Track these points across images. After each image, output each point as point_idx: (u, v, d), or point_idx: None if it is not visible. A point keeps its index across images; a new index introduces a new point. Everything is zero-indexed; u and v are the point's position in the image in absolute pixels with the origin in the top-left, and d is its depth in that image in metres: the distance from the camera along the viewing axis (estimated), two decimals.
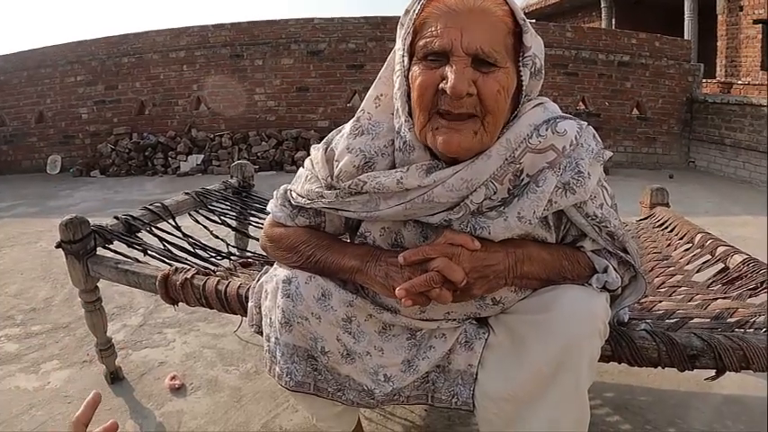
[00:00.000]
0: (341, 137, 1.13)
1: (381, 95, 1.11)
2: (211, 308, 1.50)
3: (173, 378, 2.01)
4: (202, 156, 8.03)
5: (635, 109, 8.46)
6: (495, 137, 1.00)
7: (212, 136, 8.25)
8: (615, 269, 1.11)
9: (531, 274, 1.06)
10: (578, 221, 1.08)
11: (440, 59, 0.96)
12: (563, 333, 1.00)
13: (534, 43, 1.00)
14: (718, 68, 11.11)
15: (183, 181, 7.25)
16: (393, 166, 1.07)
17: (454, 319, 1.15)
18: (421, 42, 0.97)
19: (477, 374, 1.14)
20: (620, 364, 1.23)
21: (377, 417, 1.78)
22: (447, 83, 0.93)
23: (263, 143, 8.12)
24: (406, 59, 1.02)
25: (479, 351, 1.14)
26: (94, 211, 5.33)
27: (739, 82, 10.47)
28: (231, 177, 2.74)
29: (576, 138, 1.03)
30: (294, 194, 1.19)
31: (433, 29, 0.96)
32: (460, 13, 0.94)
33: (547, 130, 1.01)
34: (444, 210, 1.03)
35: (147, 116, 8.62)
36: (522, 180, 1.03)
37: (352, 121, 1.12)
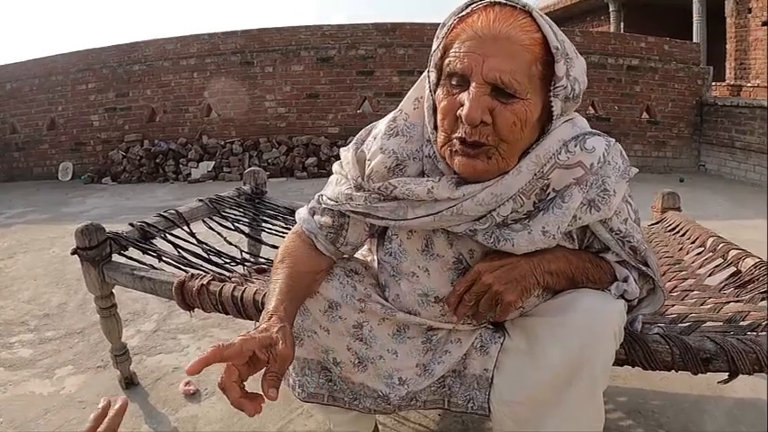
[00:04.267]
0: (373, 137, 1.13)
1: (421, 98, 1.10)
2: (227, 314, 1.51)
3: (187, 384, 2.03)
4: (213, 162, 8.06)
5: (645, 113, 8.41)
6: (511, 162, 1.00)
7: (223, 143, 8.28)
8: (635, 280, 1.12)
9: (558, 270, 1.07)
10: (603, 236, 1.09)
11: (462, 84, 0.95)
12: (579, 335, 1.01)
13: (576, 67, 0.98)
14: (727, 71, 11.04)
15: (194, 188, 7.28)
16: (422, 172, 1.08)
17: (471, 323, 1.17)
18: (446, 61, 0.98)
19: (492, 379, 1.15)
20: (633, 367, 1.23)
21: (391, 422, 1.78)
22: (463, 110, 0.93)
23: (274, 150, 8.14)
24: (433, 75, 1.03)
25: (495, 355, 1.15)
26: (106, 217, 5.37)
27: (749, 84, 10.40)
28: (244, 184, 2.76)
29: (603, 155, 1.03)
30: (324, 198, 1.19)
31: (458, 51, 0.95)
32: (485, 39, 0.92)
33: (575, 146, 1.02)
34: (470, 220, 1.05)
35: (158, 123, 8.66)
36: (548, 194, 1.04)
37: (387, 119, 1.12)
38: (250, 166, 6.27)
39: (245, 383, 0.90)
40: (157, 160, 8.21)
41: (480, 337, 1.17)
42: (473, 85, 0.93)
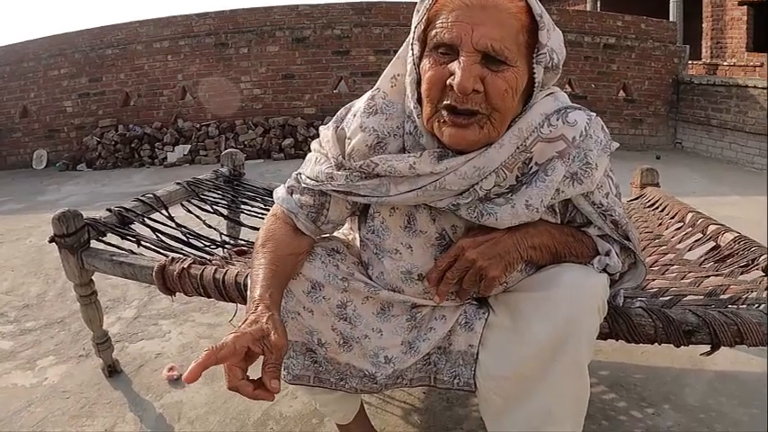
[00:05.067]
0: (353, 115, 1.12)
1: (398, 75, 1.09)
2: (209, 297, 1.50)
3: (171, 369, 2.02)
4: (189, 146, 7.96)
5: (621, 91, 8.47)
6: (501, 132, 1.00)
7: (198, 126, 8.17)
8: (617, 254, 1.13)
9: (542, 244, 1.07)
10: (585, 209, 1.09)
11: (450, 53, 0.95)
12: (564, 309, 1.02)
13: (552, 38, 0.98)
14: (703, 50, 11.12)
15: (170, 172, 7.19)
16: (404, 149, 1.08)
17: (454, 300, 1.17)
18: (432, 33, 0.97)
19: (477, 355, 1.16)
20: (617, 341, 1.25)
21: (376, 400, 1.79)
22: (454, 79, 0.92)
23: (250, 131, 8.05)
24: (416, 48, 1.02)
25: (480, 331, 1.15)
26: (83, 204, 5.27)
27: (725, 63, 10.50)
28: (222, 166, 2.72)
29: (585, 129, 1.03)
30: (303, 177, 1.18)
31: (445, 21, 0.94)
32: (473, 7, 0.92)
33: (558, 120, 1.02)
34: (453, 195, 1.04)
35: (133, 107, 8.53)
36: (531, 168, 1.04)
37: (365, 99, 1.11)
38: (226, 149, 6.21)
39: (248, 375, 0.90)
40: (132, 145, 8.09)
41: (465, 314, 1.17)
42: (463, 53, 0.92)
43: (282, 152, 7.76)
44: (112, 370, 2.02)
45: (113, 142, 8.08)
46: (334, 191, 1.12)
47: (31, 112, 8.68)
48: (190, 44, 8.28)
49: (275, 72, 8.31)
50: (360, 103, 1.13)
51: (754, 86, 6.82)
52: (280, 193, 1.23)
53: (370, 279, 1.18)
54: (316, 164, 1.16)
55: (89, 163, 8.09)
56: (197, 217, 2.23)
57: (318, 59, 8.24)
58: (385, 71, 1.11)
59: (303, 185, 1.18)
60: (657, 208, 2.20)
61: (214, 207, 2.34)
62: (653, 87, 8.42)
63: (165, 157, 7.85)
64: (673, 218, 2.06)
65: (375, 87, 1.11)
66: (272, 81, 8.34)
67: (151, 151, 8.03)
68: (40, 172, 8.19)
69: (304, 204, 1.18)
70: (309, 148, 1.21)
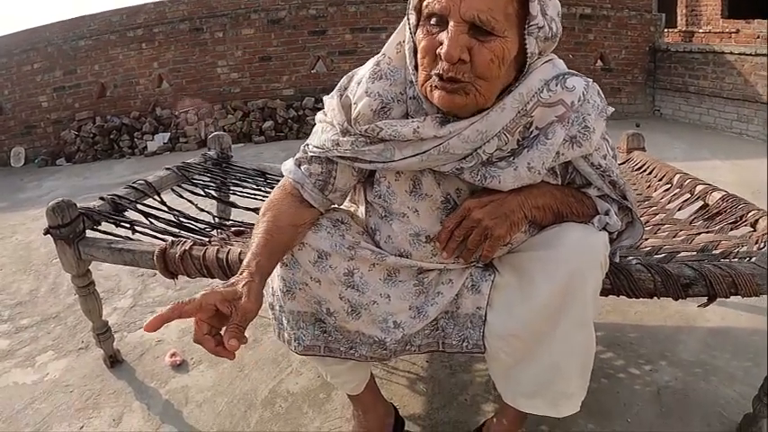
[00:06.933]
0: (357, 83, 1.14)
1: (402, 42, 1.11)
2: (213, 277, 1.50)
3: (173, 355, 2.02)
4: (169, 134, 7.84)
5: (599, 60, 8.49)
6: (490, 98, 1.01)
7: (177, 113, 8.07)
8: (616, 213, 1.16)
9: (545, 204, 1.11)
10: (585, 170, 1.13)
11: (440, 24, 0.97)
12: (568, 265, 1.06)
13: (550, 7, 1.00)
14: (679, 18, 11.18)
15: (151, 161, 7.08)
16: (407, 114, 1.09)
17: (459, 262, 1.19)
18: (425, 3, 0.99)
19: (485, 316, 1.19)
20: (618, 296, 1.29)
21: (381, 372, 1.82)
22: (443, 48, 0.95)
23: (230, 116, 7.96)
24: (412, 18, 1.04)
25: (486, 293, 1.18)
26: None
27: (700, 30, 10.57)
28: (209, 149, 2.71)
29: (583, 94, 1.07)
30: (310, 147, 1.19)
31: None
32: None
33: (557, 85, 1.05)
34: (457, 159, 1.06)
35: (109, 98, 8.38)
36: (532, 132, 1.07)
37: (371, 64, 1.13)
38: (206, 135, 6.14)
39: (222, 334, 0.92)
40: (111, 136, 7.95)
41: (471, 277, 1.20)
42: (451, 24, 0.95)
43: (263, 135, 7.65)
44: (114, 360, 2.02)
45: (92, 134, 7.95)
46: (340, 157, 1.14)
47: (5, 110, 8.49)
48: (164, 31, 8.13)
49: (252, 55, 8.20)
50: (364, 70, 1.15)
51: (730, 53, 6.89)
52: (288, 165, 1.24)
53: (377, 246, 1.20)
54: (322, 133, 1.17)
55: (68, 157, 7.96)
56: (189, 201, 2.21)
57: (295, 40, 8.14)
58: (391, 38, 1.13)
59: (310, 154, 1.19)
60: (645, 171, 2.24)
61: (206, 190, 2.33)
62: (630, 56, 8.45)
63: (146, 147, 7.73)
64: (661, 180, 2.09)
65: (381, 53, 1.13)
66: (248, 64, 8.23)
67: (131, 141, 7.90)
68: (18, 169, 8.03)
69: (312, 173, 1.19)
70: (315, 119, 1.23)
